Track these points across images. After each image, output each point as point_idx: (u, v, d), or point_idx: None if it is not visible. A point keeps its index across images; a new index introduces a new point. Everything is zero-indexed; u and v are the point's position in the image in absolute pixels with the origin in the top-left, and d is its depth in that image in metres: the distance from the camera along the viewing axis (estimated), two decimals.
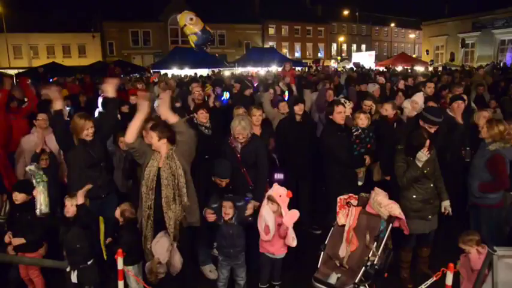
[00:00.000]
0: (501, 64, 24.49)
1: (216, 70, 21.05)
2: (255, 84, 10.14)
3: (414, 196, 3.94)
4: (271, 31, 48.61)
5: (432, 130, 4.33)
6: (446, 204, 4.13)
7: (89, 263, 3.72)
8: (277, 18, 47.45)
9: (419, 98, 5.82)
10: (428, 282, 3.28)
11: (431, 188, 4.00)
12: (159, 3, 40.43)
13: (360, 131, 4.98)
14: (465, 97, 6.04)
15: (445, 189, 4.15)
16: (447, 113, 5.33)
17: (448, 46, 38.36)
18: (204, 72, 21.17)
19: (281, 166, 5.09)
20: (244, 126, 4.21)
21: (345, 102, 5.23)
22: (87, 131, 4.18)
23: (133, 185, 4.57)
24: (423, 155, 3.84)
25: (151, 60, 36.52)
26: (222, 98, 7.41)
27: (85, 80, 13.46)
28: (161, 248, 3.63)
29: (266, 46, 43.21)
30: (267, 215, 3.77)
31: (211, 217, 3.82)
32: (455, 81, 10.44)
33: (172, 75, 17.93)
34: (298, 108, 5.17)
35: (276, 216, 3.79)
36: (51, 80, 15.23)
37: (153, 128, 3.73)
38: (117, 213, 3.86)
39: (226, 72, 20.96)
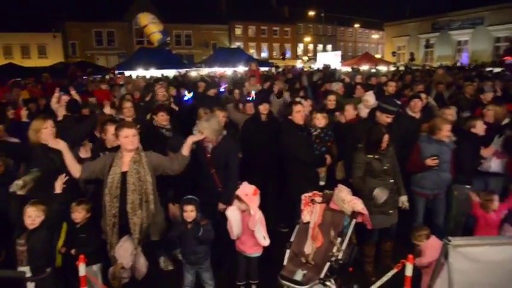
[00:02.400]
0: (458, 64, 25.58)
1: (182, 71, 20.79)
2: (223, 85, 10.13)
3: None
4: (238, 31, 48.65)
5: (389, 120, 4.53)
6: (403, 199, 4.30)
7: (48, 270, 3.58)
8: (244, 18, 47.53)
9: (370, 96, 6.03)
10: (390, 274, 3.39)
11: (391, 183, 4.14)
12: (123, 2, 39.53)
13: (318, 130, 5.07)
14: (424, 95, 6.29)
15: (403, 185, 4.32)
16: (406, 111, 5.56)
17: (409, 46, 39.73)
18: (170, 73, 20.88)
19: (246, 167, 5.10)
20: (210, 126, 4.19)
21: (301, 101, 5.33)
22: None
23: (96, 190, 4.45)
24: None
25: (116, 61, 35.66)
26: (186, 98, 7.34)
27: (47, 82, 13.00)
28: (125, 252, 3.56)
29: (233, 46, 43.18)
30: (231, 215, 3.79)
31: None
32: (416, 80, 10.83)
33: (137, 76, 17.56)
34: (263, 108, 5.20)
35: (246, 215, 3.81)
36: (8, 82, 14.59)
37: (129, 125, 3.71)
38: (76, 215, 3.76)
39: (193, 73, 20.78)
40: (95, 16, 38.09)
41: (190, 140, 3.80)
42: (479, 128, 4.67)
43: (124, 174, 3.57)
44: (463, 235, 4.46)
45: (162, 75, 19.76)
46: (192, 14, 41.65)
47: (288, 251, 3.81)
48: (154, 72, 20.59)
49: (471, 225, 4.50)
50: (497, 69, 19.65)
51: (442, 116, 4.90)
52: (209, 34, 45.83)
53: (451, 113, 5.27)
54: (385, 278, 3.42)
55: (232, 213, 3.79)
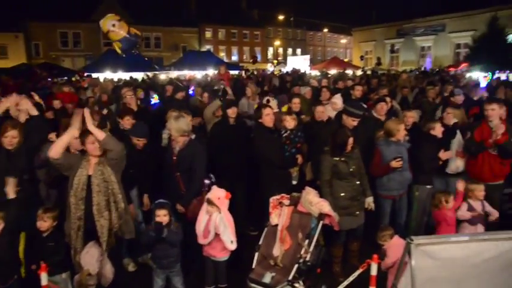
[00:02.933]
0: (422, 69, 26.50)
1: (151, 74, 20.48)
2: (192, 88, 10.06)
3: (342, 194, 4.16)
4: (208, 34, 48.52)
5: (355, 123, 4.65)
6: (369, 200, 4.41)
7: (12, 279, 3.44)
8: (214, 21, 47.48)
9: (337, 98, 6.19)
10: (356, 273, 3.47)
11: (357, 185, 4.24)
12: (91, 3, 38.46)
13: (288, 132, 5.13)
14: (388, 99, 6.49)
15: (369, 186, 4.43)
16: (372, 114, 5.71)
17: (376, 51, 40.85)
18: (138, 75, 20.53)
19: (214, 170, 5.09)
20: (177, 125, 4.15)
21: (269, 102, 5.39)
22: (8, 140, 3.90)
23: (59, 196, 4.31)
24: None
25: (83, 63, 34.75)
26: (152, 102, 7.24)
27: (7, 84, 12.47)
28: (91, 258, 3.48)
29: (203, 49, 43.01)
30: (207, 219, 3.76)
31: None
32: (382, 84, 11.14)
33: (105, 78, 17.16)
34: (232, 112, 5.21)
35: (215, 219, 3.79)
36: None
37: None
38: (41, 223, 3.63)
39: (162, 76, 20.52)
40: (60, 16, 36.87)
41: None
42: (437, 130, 4.85)
43: (90, 177, 3.55)
44: (424, 233, 4.63)
45: (131, 77, 19.41)
46: (161, 17, 41.17)
47: (256, 254, 3.82)
48: (122, 75, 20.18)
49: (432, 224, 4.66)
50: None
51: (392, 119, 5.05)
52: (179, 37, 45.44)
53: (411, 115, 5.46)
54: (351, 278, 3.49)
55: (206, 217, 3.77)
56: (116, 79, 17.99)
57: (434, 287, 3.46)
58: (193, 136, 4.41)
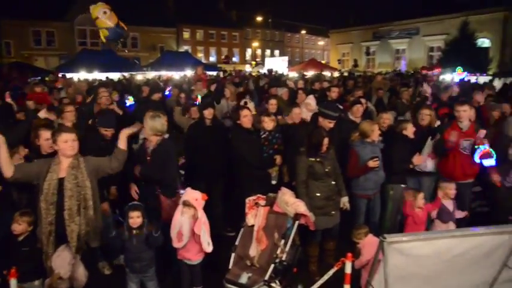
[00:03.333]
0: (397, 70, 27.08)
1: (127, 74, 20.18)
2: (168, 89, 9.97)
3: (317, 194, 4.21)
4: (186, 35, 48.14)
5: (331, 125, 4.72)
6: (344, 200, 4.49)
7: None
8: (192, 22, 47.14)
9: (311, 100, 6.28)
10: (331, 272, 3.52)
11: (333, 185, 4.30)
12: (65, 1, 37.57)
13: (267, 133, 5.17)
14: (364, 100, 6.60)
15: (344, 186, 4.50)
16: (348, 116, 5.81)
17: (353, 53, 41.52)
18: (115, 76, 20.20)
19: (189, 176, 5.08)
20: (153, 124, 4.11)
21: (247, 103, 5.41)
22: None
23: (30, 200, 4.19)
24: None
25: (57, 62, 33.84)
26: (128, 104, 7.15)
27: None
28: (62, 261, 3.40)
29: (181, 50, 42.67)
30: (183, 222, 3.73)
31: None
32: (358, 85, 11.32)
33: (78, 79, 16.79)
34: (208, 113, 5.20)
35: (192, 221, 3.77)
36: None
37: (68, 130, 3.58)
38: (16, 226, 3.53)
39: (139, 76, 20.25)
40: (32, 14, 35.75)
41: (124, 133, 3.70)
42: (409, 130, 4.97)
43: (61, 180, 3.45)
44: (398, 232, 4.73)
45: (107, 78, 19.08)
46: (139, 16, 40.52)
47: (233, 255, 3.83)
48: (98, 75, 19.81)
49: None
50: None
51: (366, 120, 5.16)
52: (157, 37, 44.90)
53: (387, 117, 5.57)
54: (326, 277, 3.54)
55: (184, 219, 3.73)
56: (91, 79, 17.65)
57: (407, 283, 3.55)
58: (166, 136, 4.36)
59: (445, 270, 3.56)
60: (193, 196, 3.78)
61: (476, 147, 4.83)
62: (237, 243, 3.89)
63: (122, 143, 3.67)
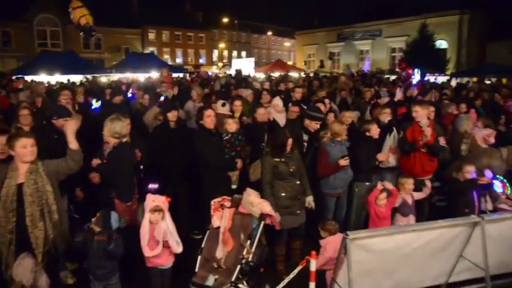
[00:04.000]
0: (363, 70, 27.77)
1: (90, 76, 19.62)
2: (132, 91, 9.79)
3: (283, 194, 4.25)
4: (152, 36, 47.36)
5: (317, 126, 4.91)
6: (309, 199, 4.55)
7: None
8: (158, 23, 46.41)
9: (278, 101, 6.38)
10: (296, 271, 3.57)
11: (298, 185, 4.35)
12: (22, 1, 35.96)
13: (229, 135, 5.17)
14: (327, 100, 6.74)
15: (309, 186, 4.57)
16: None
17: (319, 54, 42.23)
18: (77, 78, 19.59)
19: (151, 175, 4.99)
20: (111, 126, 4.03)
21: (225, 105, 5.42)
22: None
23: None
24: None
25: (15, 64, 32.37)
26: (93, 107, 6.97)
27: None
28: (24, 269, 3.25)
29: (146, 51, 41.94)
30: (157, 228, 3.63)
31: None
32: (322, 85, 11.53)
33: (32, 80, 16.10)
34: (172, 115, 5.15)
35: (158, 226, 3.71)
36: None
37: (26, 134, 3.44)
38: None
39: (103, 79, 19.75)
40: None
41: (69, 131, 3.50)
42: (373, 131, 5.12)
43: (20, 186, 3.31)
44: (363, 228, 4.85)
45: (69, 80, 18.49)
46: (101, 16, 39.26)
47: (199, 257, 3.81)
48: (59, 78, 19.15)
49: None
50: (393, 76, 21.72)
51: (336, 121, 5.28)
52: (121, 38, 43.87)
53: (349, 115, 5.71)
54: (291, 275, 3.59)
55: (160, 227, 3.65)
56: (52, 82, 17.05)
57: (370, 278, 3.66)
58: (124, 140, 4.26)
59: (406, 264, 3.70)
60: (160, 199, 3.73)
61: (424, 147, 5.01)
62: (203, 245, 3.87)
63: (72, 143, 3.51)
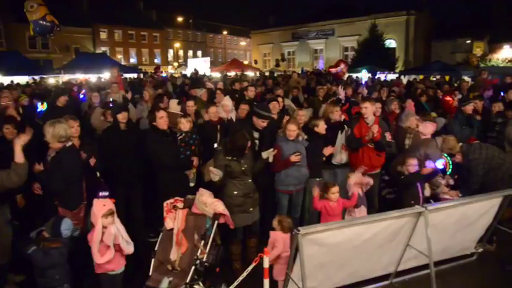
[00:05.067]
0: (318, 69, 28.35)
1: (38, 78, 18.67)
2: (83, 92, 9.44)
3: (235, 192, 4.27)
4: (103, 35, 45.83)
5: (265, 124, 4.91)
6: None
7: None
8: (109, 22, 44.96)
9: (227, 100, 6.41)
10: (249, 268, 3.60)
11: (250, 183, 4.38)
12: None
13: (183, 134, 5.13)
14: (280, 98, 6.83)
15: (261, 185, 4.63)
16: None
17: (274, 53, 42.70)
18: (22, 79, 18.56)
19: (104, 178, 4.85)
20: (53, 130, 3.85)
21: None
22: None
23: None
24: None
25: None
26: (39, 110, 6.65)
27: None
28: None
29: (98, 51, 40.53)
30: (107, 233, 3.50)
31: None
32: (277, 84, 11.66)
33: None
34: (122, 117, 5.01)
35: (108, 230, 3.59)
36: None
37: None
38: None
39: (51, 80, 18.85)
40: None
41: (17, 145, 3.39)
42: (321, 127, 5.25)
43: None
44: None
45: (12, 82, 17.48)
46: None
47: (153, 260, 3.75)
48: (2, 79, 18.04)
49: None
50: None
51: (290, 118, 5.38)
52: (70, 37, 41.98)
53: (302, 113, 5.81)
54: (245, 273, 3.61)
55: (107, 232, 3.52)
56: None
57: (322, 271, 3.76)
58: (68, 144, 4.07)
59: (357, 255, 3.83)
60: (109, 203, 3.62)
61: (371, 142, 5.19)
62: (156, 248, 3.81)
63: (17, 156, 3.37)
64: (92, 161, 4.58)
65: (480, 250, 4.87)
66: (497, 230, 4.79)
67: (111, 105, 5.99)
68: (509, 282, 4.44)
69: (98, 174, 4.76)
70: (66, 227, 3.47)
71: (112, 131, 5.13)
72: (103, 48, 43.67)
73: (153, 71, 22.59)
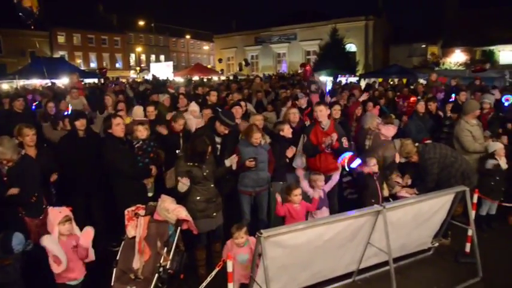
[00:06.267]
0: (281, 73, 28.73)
1: None
2: (37, 99, 9.08)
3: (198, 198, 4.25)
4: (61, 39, 44.30)
5: (227, 131, 4.94)
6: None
7: None
8: (68, 25, 43.52)
9: (195, 106, 6.42)
10: (213, 273, 3.59)
11: (212, 188, 4.38)
12: None
13: (141, 142, 5.05)
14: (243, 103, 6.88)
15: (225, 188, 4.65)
16: None
17: (237, 57, 42.81)
18: None
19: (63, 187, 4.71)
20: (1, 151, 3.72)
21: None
22: None
23: None
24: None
25: None
26: None
27: None
28: None
29: (56, 56, 39.11)
30: (55, 245, 3.39)
31: None
32: (243, 89, 11.71)
33: None
34: (80, 124, 4.87)
35: (69, 239, 3.49)
36: None
37: None
38: None
39: (4, 86, 18.00)
40: None
41: None
42: (286, 131, 5.32)
43: None
44: None
45: None
46: (2, 17, 35.89)
47: (115, 270, 3.67)
48: None
49: None
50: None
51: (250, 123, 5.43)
52: (25, 41, 40.20)
53: (257, 118, 5.86)
54: (209, 279, 3.61)
55: (54, 243, 3.40)
56: None
57: (286, 273, 3.81)
58: (23, 152, 3.94)
59: (319, 255, 3.91)
60: (67, 209, 3.52)
61: (327, 148, 5.30)
62: (118, 257, 3.73)
63: None
64: (53, 178, 4.44)
65: (436, 244, 5.09)
66: (451, 224, 5.03)
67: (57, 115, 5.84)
68: (463, 273, 4.66)
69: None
70: (18, 241, 3.33)
71: (70, 139, 4.97)
72: (61, 53, 42.22)
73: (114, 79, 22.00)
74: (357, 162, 5.08)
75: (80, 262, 3.58)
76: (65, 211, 3.50)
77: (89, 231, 3.52)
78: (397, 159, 5.33)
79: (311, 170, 5.46)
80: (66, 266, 3.43)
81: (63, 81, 19.09)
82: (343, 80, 21.89)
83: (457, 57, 30.47)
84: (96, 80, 22.50)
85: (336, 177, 5.15)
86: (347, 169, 5.20)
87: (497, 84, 15.41)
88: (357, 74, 27.79)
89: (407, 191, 5.31)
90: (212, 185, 4.37)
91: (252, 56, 42.55)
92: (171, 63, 35.08)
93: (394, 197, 5.22)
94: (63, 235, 3.49)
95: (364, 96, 8.03)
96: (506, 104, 8.59)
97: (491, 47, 29.53)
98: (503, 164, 5.63)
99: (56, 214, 3.46)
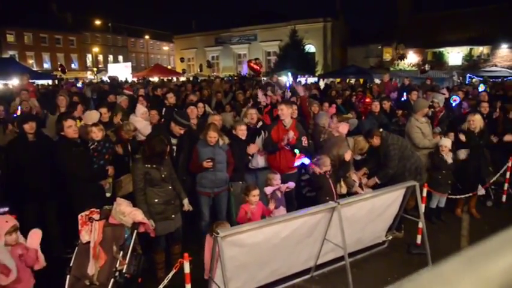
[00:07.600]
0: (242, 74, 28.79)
1: None
2: None
3: (156, 200, 4.20)
4: (11, 38, 42.16)
5: (182, 131, 4.90)
6: (185, 202, 4.60)
7: None
8: (18, 24, 41.43)
9: (142, 108, 6.36)
10: (170, 275, 3.57)
11: (170, 190, 4.34)
12: None
13: (96, 144, 4.93)
14: (201, 104, 6.86)
15: (183, 189, 4.62)
16: None
17: (197, 58, 42.53)
18: None
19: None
20: None
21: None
22: None
23: None
24: None
25: None
26: None
27: None
28: None
29: (5, 56, 37.16)
30: (2, 254, 3.22)
31: None
32: (202, 90, 11.66)
33: None
34: (29, 127, 4.66)
35: (13, 248, 3.33)
36: None
37: None
38: None
39: None
40: None
41: None
42: (238, 131, 5.38)
43: None
44: None
45: None
46: None
47: (68, 277, 3.56)
48: None
49: None
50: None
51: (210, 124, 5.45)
52: None
53: (216, 119, 5.88)
54: (166, 281, 3.58)
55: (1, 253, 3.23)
56: None
57: (245, 271, 3.85)
58: None
59: (277, 253, 3.98)
60: (13, 218, 3.36)
61: (287, 145, 5.42)
62: (71, 264, 3.62)
63: None
64: None
65: (390, 238, 5.31)
66: (403, 218, 5.26)
67: None
68: (415, 264, 4.90)
69: None
70: None
71: (18, 142, 4.75)
72: (10, 52, 40.18)
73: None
74: (305, 160, 5.23)
75: (27, 271, 3.39)
76: (12, 220, 3.32)
77: (37, 232, 3.38)
78: (348, 157, 5.49)
79: (271, 167, 5.54)
80: (16, 276, 3.28)
81: (13, 82, 18.17)
82: (302, 80, 22.25)
83: (410, 59, 31.81)
84: (50, 82, 21.60)
85: (291, 184, 5.22)
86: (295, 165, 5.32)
87: (446, 84, 16.28)
88: (316, 74, 28.38)
89: (367, 182, 5.50)
90: (170, 187, 4.33)
91: (213, 57, 42.39)
92: (129, 63, 34.24)
93: (353, 195, 5.39)
94: (8, 245, 3.33)
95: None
96: (454, 104, 9.09)
97: (441, 49, 31.07)
98: (449, 158, 5.95)
99: (3, 224, 3.29)
